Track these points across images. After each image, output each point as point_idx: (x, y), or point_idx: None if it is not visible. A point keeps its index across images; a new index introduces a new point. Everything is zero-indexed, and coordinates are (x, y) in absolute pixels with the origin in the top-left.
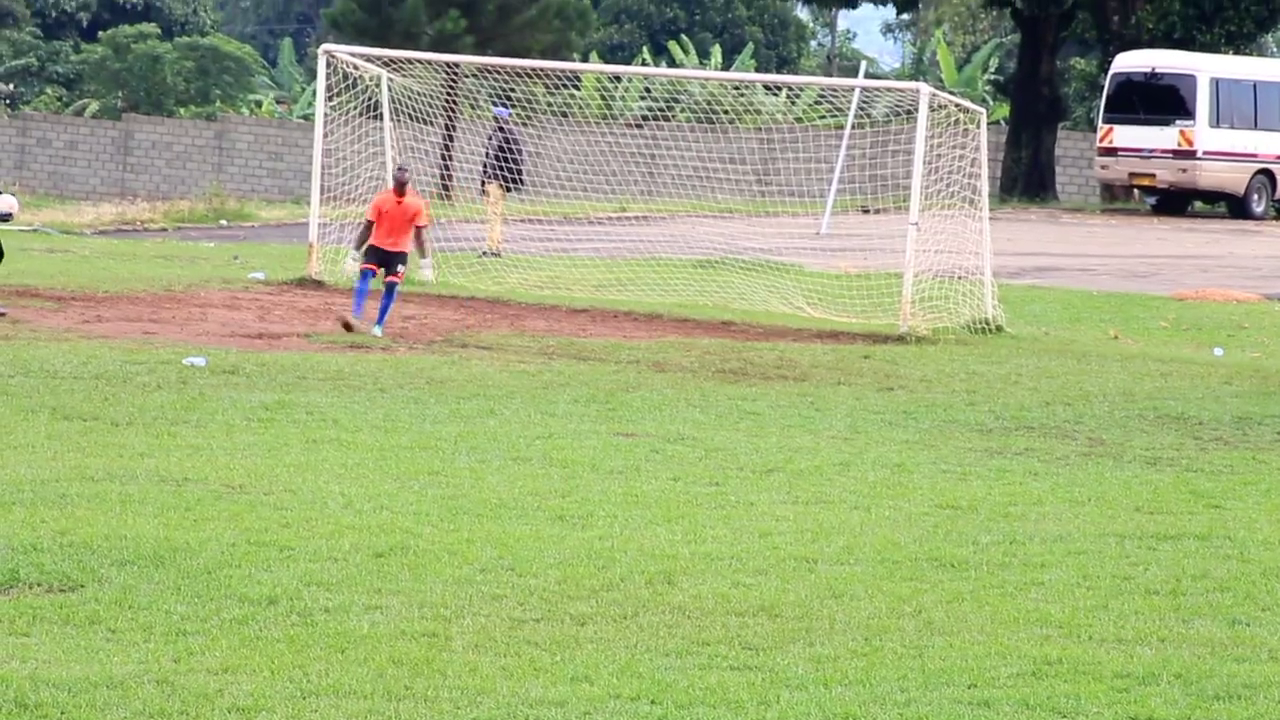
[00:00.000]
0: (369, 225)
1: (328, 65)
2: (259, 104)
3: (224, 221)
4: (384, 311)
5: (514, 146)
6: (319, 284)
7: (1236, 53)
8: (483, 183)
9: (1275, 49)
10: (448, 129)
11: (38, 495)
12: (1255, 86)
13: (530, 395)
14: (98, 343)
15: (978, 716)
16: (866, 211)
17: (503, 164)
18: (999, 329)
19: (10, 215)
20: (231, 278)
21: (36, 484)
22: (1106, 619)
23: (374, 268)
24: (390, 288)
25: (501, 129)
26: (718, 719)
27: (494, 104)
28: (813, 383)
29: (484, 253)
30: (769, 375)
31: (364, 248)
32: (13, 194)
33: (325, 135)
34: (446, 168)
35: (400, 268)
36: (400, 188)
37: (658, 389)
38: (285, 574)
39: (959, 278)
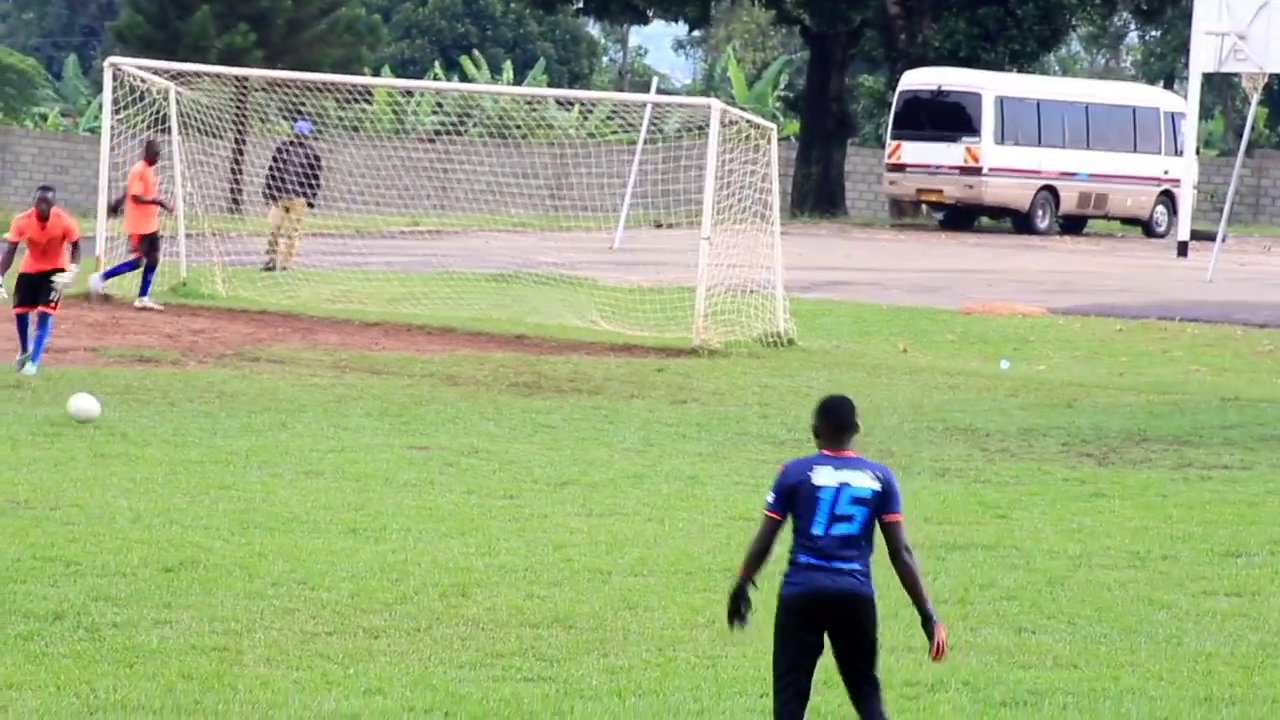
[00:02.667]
0: (12, 247)
1: (114, 78)
2: (44, 117)
3: (7, 235)
4: (38, 345)
5: (314, 162)
6: (106, 298)
7: (1020, 71)
8: (271, 197)
9: (1058, 68)
10: (237, 143)
11: None
12: (1039, 104)
13: (322, 409)
14: None
15: None
16: (660, 226)
17: (307, 180)
18: (790, 342)
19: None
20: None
21: None
22: (897, 627)
23: (27, 310)
24: (43, 319)
25: (301, 144)
26: None
27: (294, 119)
28: (606, 396)
29: (269, 266)
30: (563, 389)
31: (13, 286)
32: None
33: (112, 149)
34: (236, 181)
35: (54, 294)
36: (44, 213)
37: (451, 402)
38: (72, 589)
39: (751, 292)
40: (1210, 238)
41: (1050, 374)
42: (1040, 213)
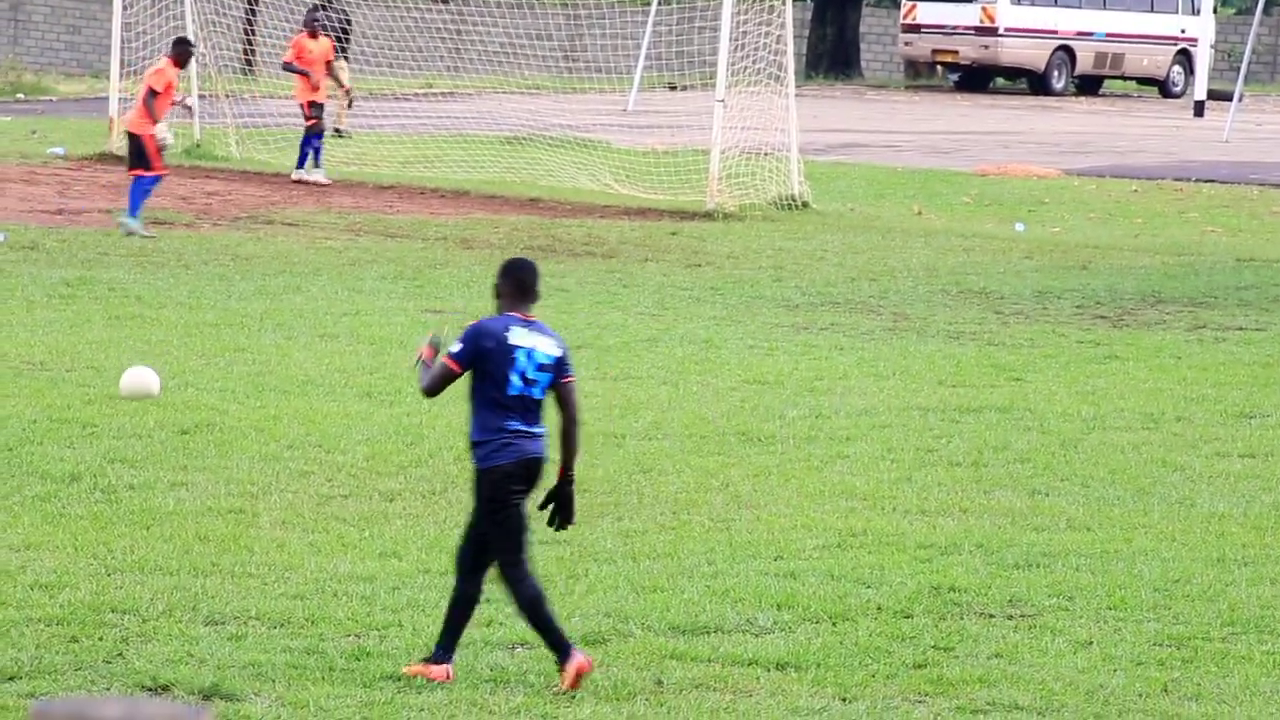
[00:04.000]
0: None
1: None
2: None
3: (21, 95)
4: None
5: (345, 25)
6: (120, 159)
7: None
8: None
9: None
10: (250, 2)
11: None
12: None
13: (337, 272)
14: None
15: (784, 588)
16: (674, 88)
17: (340, 42)
18: (805, 205)
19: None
20: (30, 152)
21: None
22: (910, 491)
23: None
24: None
25: (332, 6)
26: None
27: None
28: (621, 259)
29: (338, 131)
30: (577, 252)
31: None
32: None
33: (125, 8)
34: (250, 42)
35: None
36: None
37: (466, 266)
38: (88, 451)
39: (765, 154)
40: (1227, 97)
41: (1065, 236)
42: (1056, 73)
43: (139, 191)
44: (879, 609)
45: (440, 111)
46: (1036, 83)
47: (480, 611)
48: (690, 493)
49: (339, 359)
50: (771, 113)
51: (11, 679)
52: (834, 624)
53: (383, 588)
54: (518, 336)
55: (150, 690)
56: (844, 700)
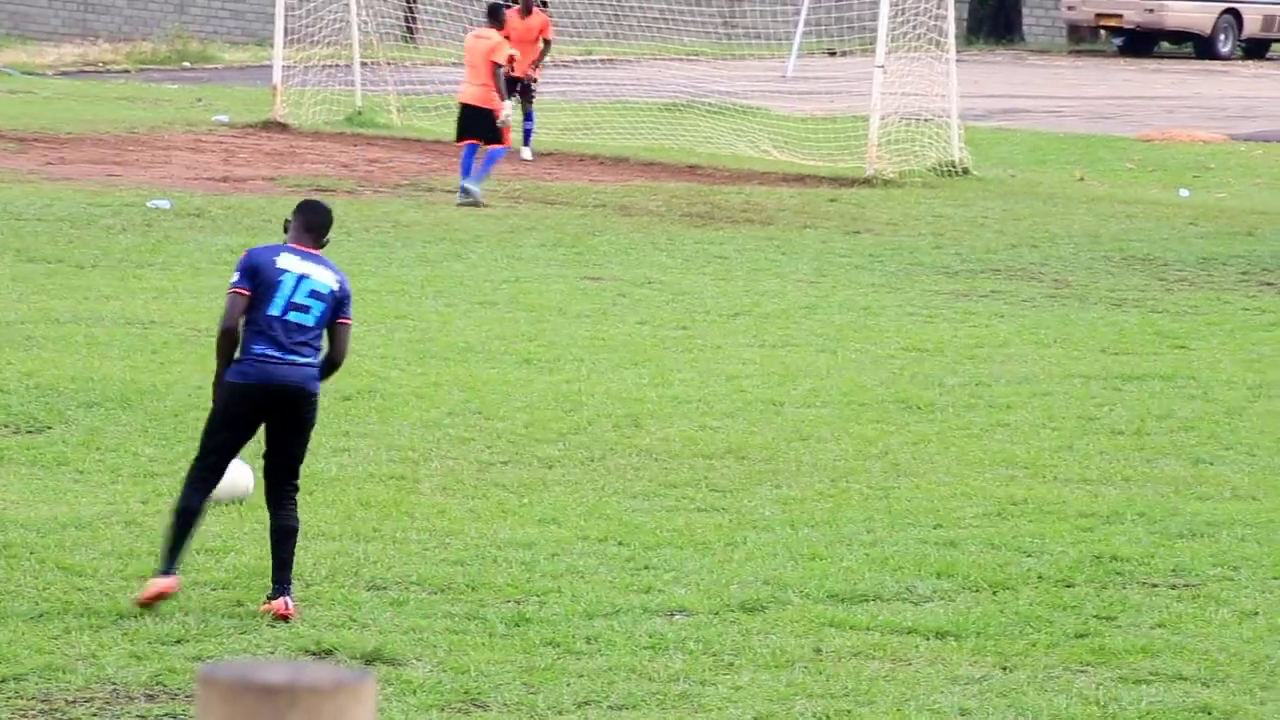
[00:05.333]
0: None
1: None
2: None
3: (186, 63)
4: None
5: None
6: (283, 127)
7: None
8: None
9: None
10: None
11: (4, 337)
12: None
13: (497, 239)
14: (61, 185)
15: (943, 556)
16: (833, 54)
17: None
18: (965, 171)
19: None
20: (195, 120)
21: (2, 326)
22: (1071, 459)
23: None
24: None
25: None
26: (685, 560)
27: None
28: (779, 226)
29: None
30: (735, 219)
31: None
32: None
33: None
34: (411, 10)
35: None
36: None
37: (624, 233)
38: None
39: (925, 120)
40: None
41: (1230, 202)
42: (1223, 37)
43: (491, 159)
44: (1040, 578)
45: (599, 78)
46: (1202, 47)
47: (638, 578)
48: (849, 460)
49: (498, 326)
50: (931, 78)
51: (179, 642)
52: (994, 593)
53: (542, 554)
54: (287, 262)
55: (314, 654)
56: (1004, 669)
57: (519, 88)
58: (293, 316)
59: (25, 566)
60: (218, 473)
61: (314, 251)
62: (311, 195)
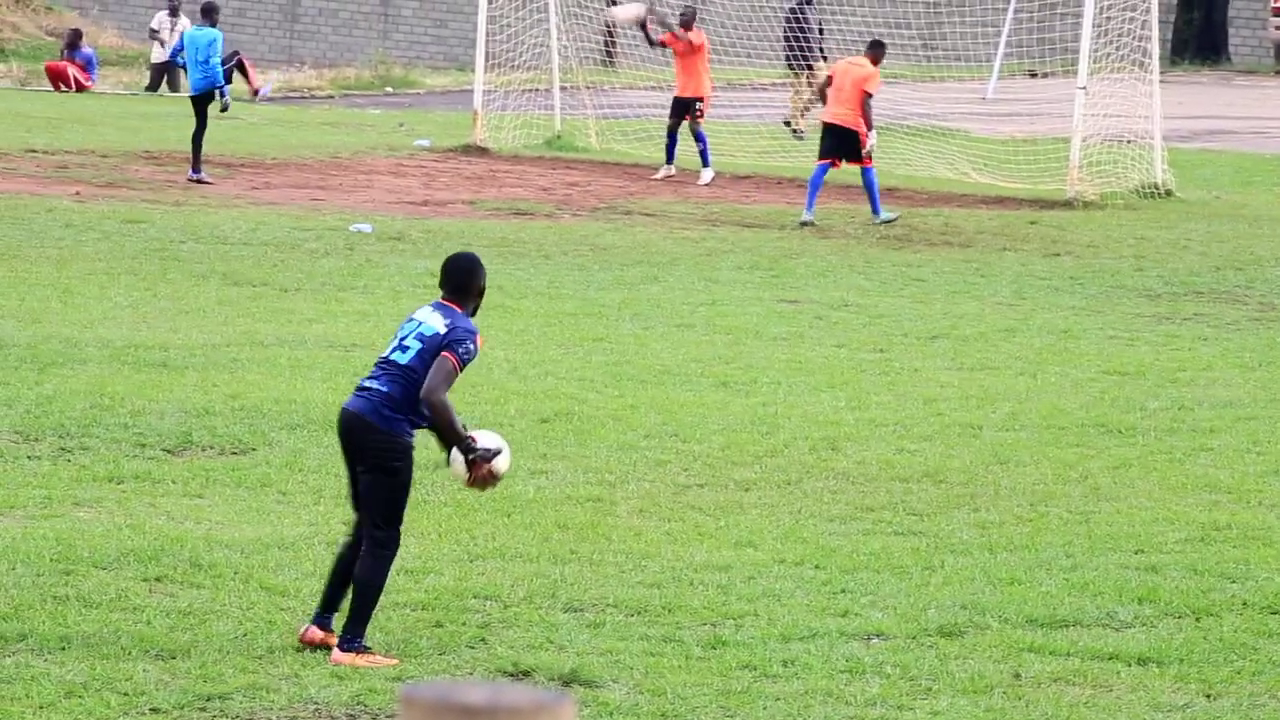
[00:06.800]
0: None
1: None
2: None
3: (389, 89)
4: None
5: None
6: (484, 151)
7: None
8: (808, 65)
9: None
10: None
11: (209, 360)
12: None
13: (694, 262)
14: (266, 209)
15: (1145, 581)
16: (1034, 75)
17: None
18: (1168, 193)
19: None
20: (397, 145)
21: (208, 349)
22: (1277, 484)
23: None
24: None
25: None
26: (882, 584)
27: None
28: (978, 248)
29: (794, 130)
30: (934, 241)
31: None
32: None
33: (490, 2)
34: (610, 34)
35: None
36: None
37: (821, 255)
38: None
39: (1128, 142)
40: None
41: None
42: None
43: (870, 183)
44: (1244, 604)
45: None
46: None
47: (835, 601)
48: (1048, 484)
49: (695, 348)
50: (1135, 99)
51: None
52: (1197, 619)
53: (738, 577)
54: (419, 312)
55: (512, 676)
56: (1208, 697)
57: (695, 108)
58: (392, 354)
59: (230, 587)
60: (354, 528)
61: (446, 303)
62: (514, 220)
